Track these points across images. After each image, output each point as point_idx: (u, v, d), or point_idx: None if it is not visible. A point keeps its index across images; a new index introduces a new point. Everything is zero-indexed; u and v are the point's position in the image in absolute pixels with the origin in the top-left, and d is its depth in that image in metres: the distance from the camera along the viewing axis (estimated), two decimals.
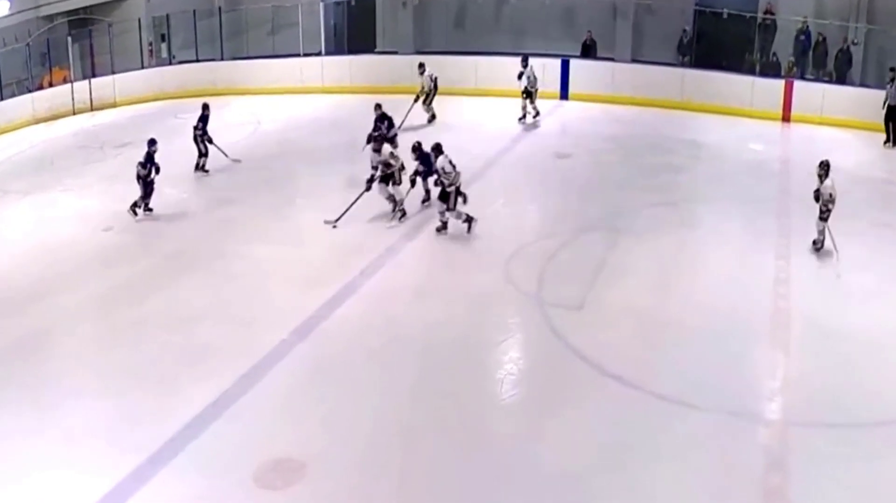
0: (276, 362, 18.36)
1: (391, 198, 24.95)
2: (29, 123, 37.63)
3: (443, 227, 23.94)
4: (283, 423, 16.30)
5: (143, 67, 41.81)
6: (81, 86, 39.75)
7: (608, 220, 24.63)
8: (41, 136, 35.20)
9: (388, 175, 24.85)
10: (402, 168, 24.90)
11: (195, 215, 25.57)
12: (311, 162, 30.55)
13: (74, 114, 39.15)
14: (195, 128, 29.70)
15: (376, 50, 42.04)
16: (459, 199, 23.62)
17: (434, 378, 17.67)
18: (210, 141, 29.62)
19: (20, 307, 21.12)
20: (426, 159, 24.42)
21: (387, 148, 25.16)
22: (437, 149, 23.89)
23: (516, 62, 33.56)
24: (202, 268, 22.86)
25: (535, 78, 33.28)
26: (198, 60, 41.95)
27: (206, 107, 30.03)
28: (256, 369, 18.03)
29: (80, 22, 41.93)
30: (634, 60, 39.04)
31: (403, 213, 24.87)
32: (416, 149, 24.74)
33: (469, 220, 23.72)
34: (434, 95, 33.62)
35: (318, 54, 40.65)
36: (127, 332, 19.82)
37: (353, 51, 42.40)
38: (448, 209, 23.70)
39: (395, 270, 22.42)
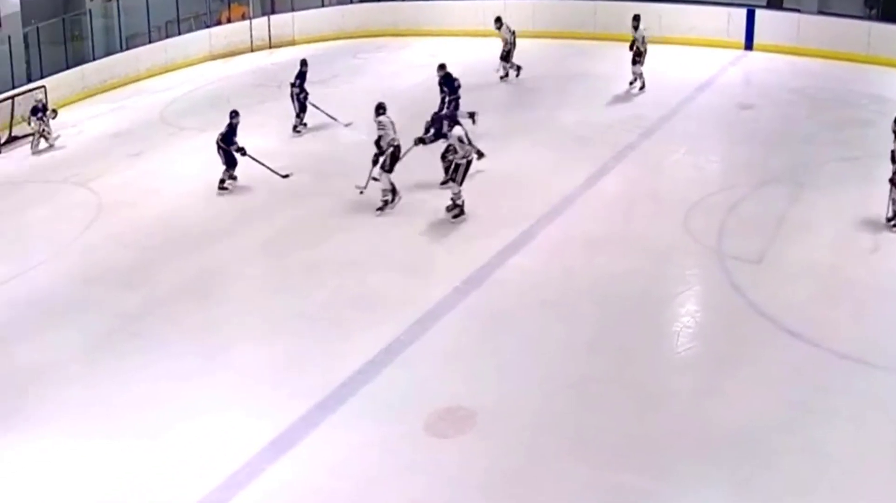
0: (449, 310, 18.66)
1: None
2: (206, 59, 38.92)
3: (454, 207, 22.45)
4: (454, 372, 16.57)
5: (323, 5, 42.61)
6: (260, 22, 40.81)
7: (791, 174, 24.31)
8: (218, 72, 36.09)
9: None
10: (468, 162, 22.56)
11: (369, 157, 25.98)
12: (489, 107, 29.99)
13: (252, 51, 40.41)
14: (292, 84, 30.15)
15: None
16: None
17: (609, 331, 17.76)
18: (306, 98, 29.99)
19: (192, 247, 22.12)
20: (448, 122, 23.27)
21: (457, 130, 22.86)
22: (452, 118, 23.43)
23: (701, 11, 33.05)
24: (373, 212, 23.20)
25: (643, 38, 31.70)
26: (379, 0, 42.22)
27: (303, 63, 30.42)
28: (428, 316, 18.39)
29: None
30: (821, 12, 38.13)
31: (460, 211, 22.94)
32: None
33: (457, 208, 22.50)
34: (514, 49, 33.19)
35: None
36: (298, 276, 20.48)
37: None
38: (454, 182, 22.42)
39: (573, 219, 22.40)
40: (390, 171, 22.91)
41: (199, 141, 28.61)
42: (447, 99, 26.43)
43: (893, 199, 20.73)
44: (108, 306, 19.72)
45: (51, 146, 30.93)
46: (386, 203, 23.07)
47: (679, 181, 24.26)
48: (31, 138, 31.08)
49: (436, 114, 24.34)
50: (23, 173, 29.12)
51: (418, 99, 29.65)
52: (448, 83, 26.33)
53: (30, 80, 35.12)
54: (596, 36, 36.21)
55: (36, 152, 30.58)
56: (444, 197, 22.64)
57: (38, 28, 36.64)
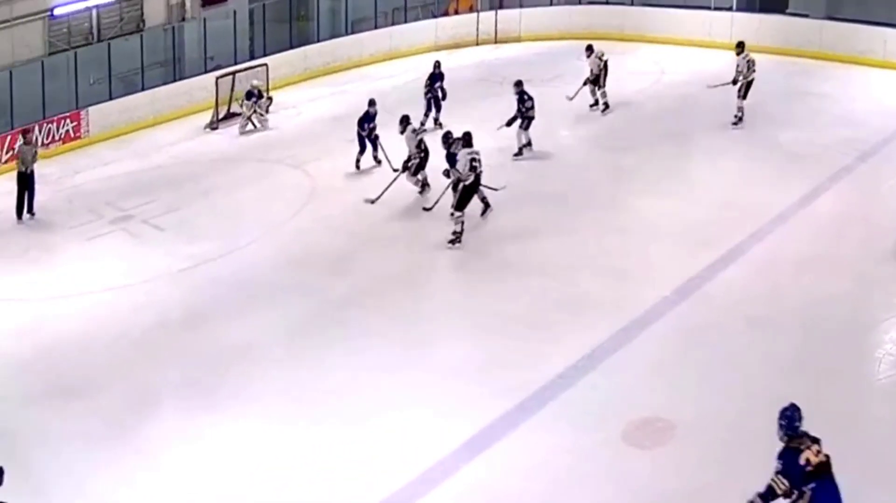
0: (655, 320, 18.82)
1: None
2: (430, 49, 39.31)
3: (456, 239, 22.23)
4: (656, 383, 16.69)
5: (551, 4, 42.60)
6: (487, 16, 41.24)
7: None
8: (442, 63, 36.48)
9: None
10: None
11: (586, 160, 26.09)
12: (704, 122, 30.05)
13: (477, 44, 40.71)
14: (425, 84, 30.65)
15: (788, 11, 40.98)
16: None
17: (812, 352, 17.70)
18: (437, 102, 30.42)
19: (400, 237, 22.92)
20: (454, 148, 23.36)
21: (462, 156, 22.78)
22: (467, 139, 23.09)
23: None
24: (587, 216, 23.52)
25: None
26: (607, 2, 42.29)
27: (437, 65, 30.87)
28: (634, 324, 18.59)
29: None
30: None
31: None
32: (446, 139, 23.98)
33: (457, 236, 22.19)
34: (605, 78, 31.60)
35: (729, 9, 40.11)
36: (505, 275, 20.85)
37: (764, 9, 41.06)
38: (455, 210, 22.17)
39: (783, 237, 22.27)
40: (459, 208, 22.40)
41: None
42: (519, 116, 26.78)
43: None
44: (314, 291, 20.41)
45: (257, 128, 32.18)
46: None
47: (893, 207, 23.83)
48: (243, 119, 32.31)
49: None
50: (239, 151, 30.36)
51: (640, 104, 29.73)
52: (521, 101, 26.49)
53: (252, 58, 36.31)
54: (820, 55, 35.62)
55: (243, 132, 31.82)
56: (660, 203, 22.91)
57: (264, 5, 37.98)
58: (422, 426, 15.50)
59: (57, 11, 32.97)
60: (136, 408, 16.15)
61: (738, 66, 29.16)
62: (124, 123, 33.05)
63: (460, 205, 22.06)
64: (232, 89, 33.37)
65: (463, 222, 22.00)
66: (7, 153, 29.37)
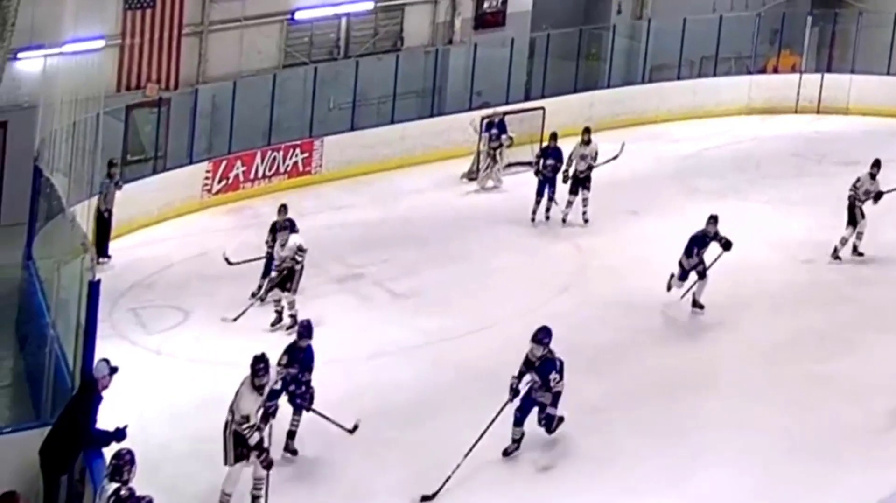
0: None
1: None
2: (741, 112, 39.53)
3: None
4: None
5: (888, 73, 41.19)
6: (811, 79, 40.78)
7: None
8: (752, 130, 36.45)
9: None
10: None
11: None
12: None
13: (796, 112, 40.48)
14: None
15: None
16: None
17: None
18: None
19: (670, 335, 23.58)
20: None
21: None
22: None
23: None
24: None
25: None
26: None
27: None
28: None
29: (826, 0, 42.77)
30: None
31: None
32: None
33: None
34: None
35: None
36: (795, 391, 20.89)
37: None
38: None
39: None
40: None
41: (713, 205, 29.26)
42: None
43: None
44: (569, 390, 20.13)
45: (494, 186, 32.87)
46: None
47: None
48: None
49: None
50: (498, 209, 31.09)
51: None
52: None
53: (527, 98, 36.79)
54: None
55: (483, 188, 32.70)
56: None
57: (548, 35, 38.18)
58: None
59: (298, 16, 33.83)
60: None
61: None
62: (365, 161, 33.67)
63: None
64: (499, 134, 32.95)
65: None
66: (220, 182, 30.86)
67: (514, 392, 17.30)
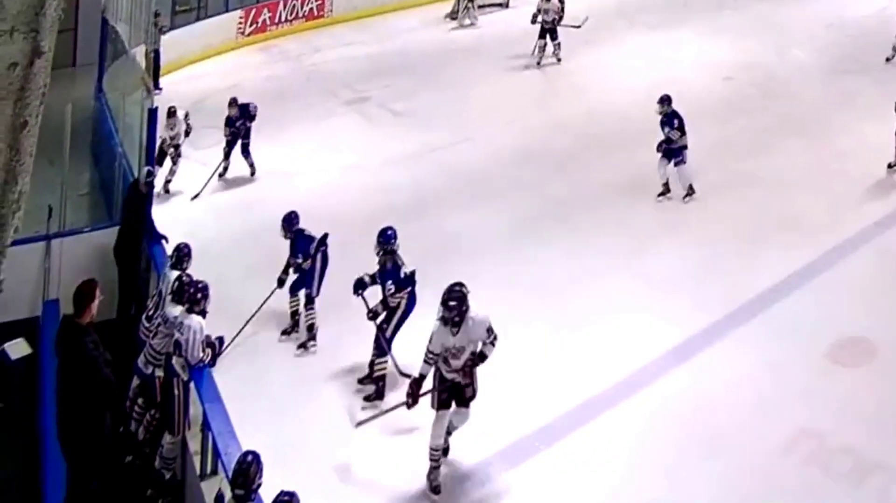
0: (866, 242, 18.54)
1: None
2: None
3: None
4: (861, 304, 16.36)
5: None
6: None
7: None
8: None
9: None
10: None
11: (813, 80, 25.66)
12: None
13: None
14: None
15: None
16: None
17: None
18: None
19: (628, 141, 22.57)
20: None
21: None
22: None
23: None
24: (806, 135, 23.11)
25: None
26: None
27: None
28: (846, 244, 18.33)
29: None
30: None
31: None
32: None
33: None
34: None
35: None
36: (723, 187, 20.73)
37: None
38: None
39: None
40: None
41: (651, 35, 29.47)
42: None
43: None
44: (536, 189, 20.65)
45: (470, 24, 32.67)
46: None
47: None
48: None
49: None
50: (480, 44, 30.50)
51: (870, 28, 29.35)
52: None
53: None
54: None
55: (462, 26, 32.43)
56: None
57: None
58: (631, 332, 15.51)
59: None
60: (349, 293, 15.41)
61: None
62: (368, 5, 33.54)
63: None
64: None
65: None
66: (251, 26, 30.96)
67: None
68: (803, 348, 15.21)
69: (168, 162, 21.29)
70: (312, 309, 15.85)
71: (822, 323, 15.86)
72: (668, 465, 12.92)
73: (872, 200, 20.13)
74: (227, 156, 21.93)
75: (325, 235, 15.87)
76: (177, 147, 21.41)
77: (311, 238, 15.83)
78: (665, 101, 20.55)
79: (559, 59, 28.05)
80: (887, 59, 27.58)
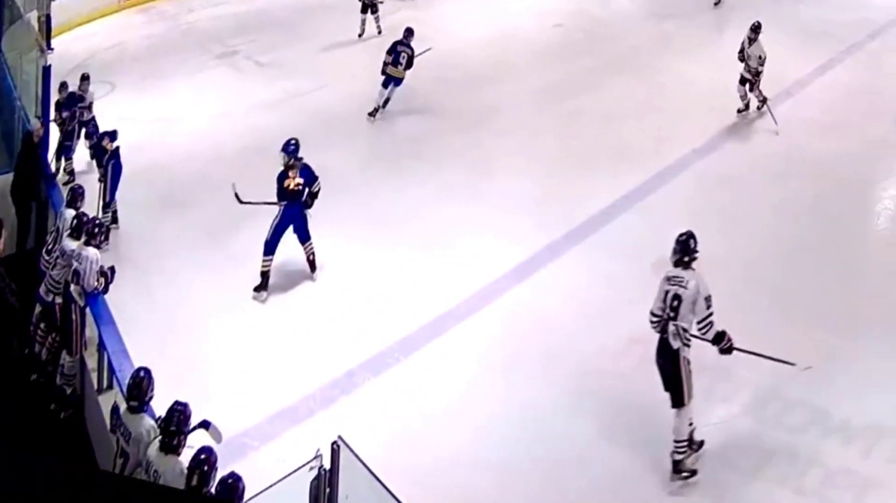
0: (685, 168, 18.64)
1: None
2: None
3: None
4: (682, 223, 16.17)
5: None
6: None
7: None
8: None
9: None
10: None
11: (635, 24, 25.53)
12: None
13: None
14: None
15: None
16: None
17: (821, 204, 17.37)
18: None
19: (476, 83, 22.44)
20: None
21: None
22: None
23: None
24: (628, 74, 23.24)
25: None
26: None
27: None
28: (667, 171, 18.40)
29: None
30: None
31: None
32: None
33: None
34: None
35: None
36: (562, 122, 20.67)
37: None
38: None
39: (801, 103, 21.86)
40: None
41: None
42: None
43: None
44: (388, 127, 20.43)
45: None
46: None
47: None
48: None
49: None
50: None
51: None
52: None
53: None
54: None
55: None
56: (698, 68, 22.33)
57: None
58: (481, 252, 15.34)
59: None
60: (230, 221, 15.97)
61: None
62: None
63: None
64: None
65: None
66: None
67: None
68: (631, 263, 15.05)
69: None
70: None
71: (648, 240, 15.57)
72: (511, 369, 12.86)
73: (690, 130, 20.15)
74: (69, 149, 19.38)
75: (118, 148, 16.36)
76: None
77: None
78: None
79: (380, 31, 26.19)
80: (715, 4, 27.90)
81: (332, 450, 7.83)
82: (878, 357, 13.19)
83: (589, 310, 14.06)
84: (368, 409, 12.14)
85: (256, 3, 29.77)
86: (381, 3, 26.26)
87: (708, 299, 10.95)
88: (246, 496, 7.78)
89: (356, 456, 7.74)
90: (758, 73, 20.23)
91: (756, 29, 20.21)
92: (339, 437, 7.84)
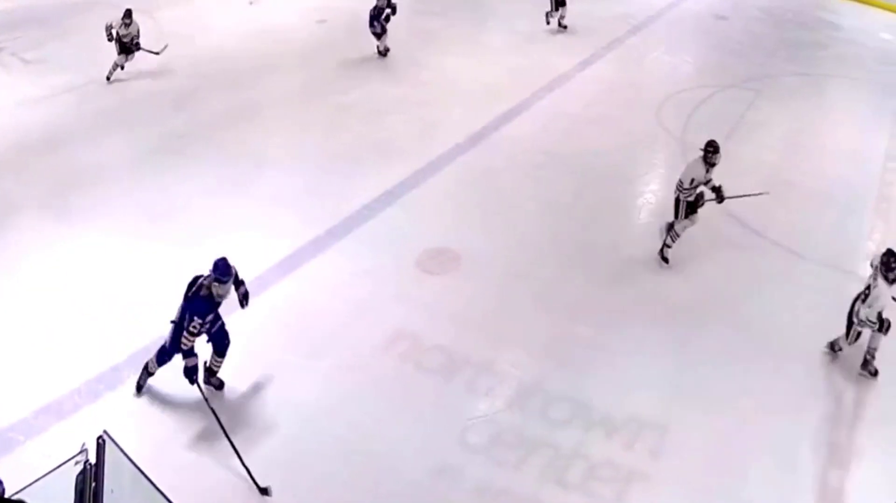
0: (448, 163, 19.00)
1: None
2: None
3: None
4: (445, 218, 16.91)
5: None
6: None
7: (752, 82, 24.44)
8: None
9: None
10: None
11: (399, 21, 25.79)
12: None
13: None
14: None
15: None
16: None
17: (582, 198, 18.04)
18: None
19: (238, 81, 22.47)
20: None
21: None
22: None
23: None
24: (392, 70, 23.76)
25: None
26: None
27: None
28: (430, 166, 18.76)
29: None
30: None
31: None
32: None
33: None
34: None
35: None
36: (326, 117, 20.85)
37: None
38: None
39: (562, 97, 22.64)
40: None
41: None
42: None
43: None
44: (157, 123, 20.15)
45: None
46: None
47: (656, 76, 24.63)
48: None
49: None
50: None
51: None
52: None
53: None
54: None
55: None
56: (458, 62, 22.79)
57: None
58: (246, 246, 15.09)
59: None
60: None
61: None
62: None
63: None
64: None
65: None
66: None
67: None
68: (396, 257, 15.56)
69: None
70: None
71: (412, 235, 16.28)
72: (275, 365, 13.03)
73: (453, 125, 20.59)
74: None
75: None
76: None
77: None
78: None
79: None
80: None
81: (98, 444, 7.90)
82: (639, 351, 13.83)
83: (353, 305, 14.32)
84: (136, 405, 12.17)
85: (20, 1, 28.89)
86: None
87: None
88: (11, 491, 7.75)
89: (121, 450, 7.88)
90: None
91: None
92: (105, 432, 7.95)
